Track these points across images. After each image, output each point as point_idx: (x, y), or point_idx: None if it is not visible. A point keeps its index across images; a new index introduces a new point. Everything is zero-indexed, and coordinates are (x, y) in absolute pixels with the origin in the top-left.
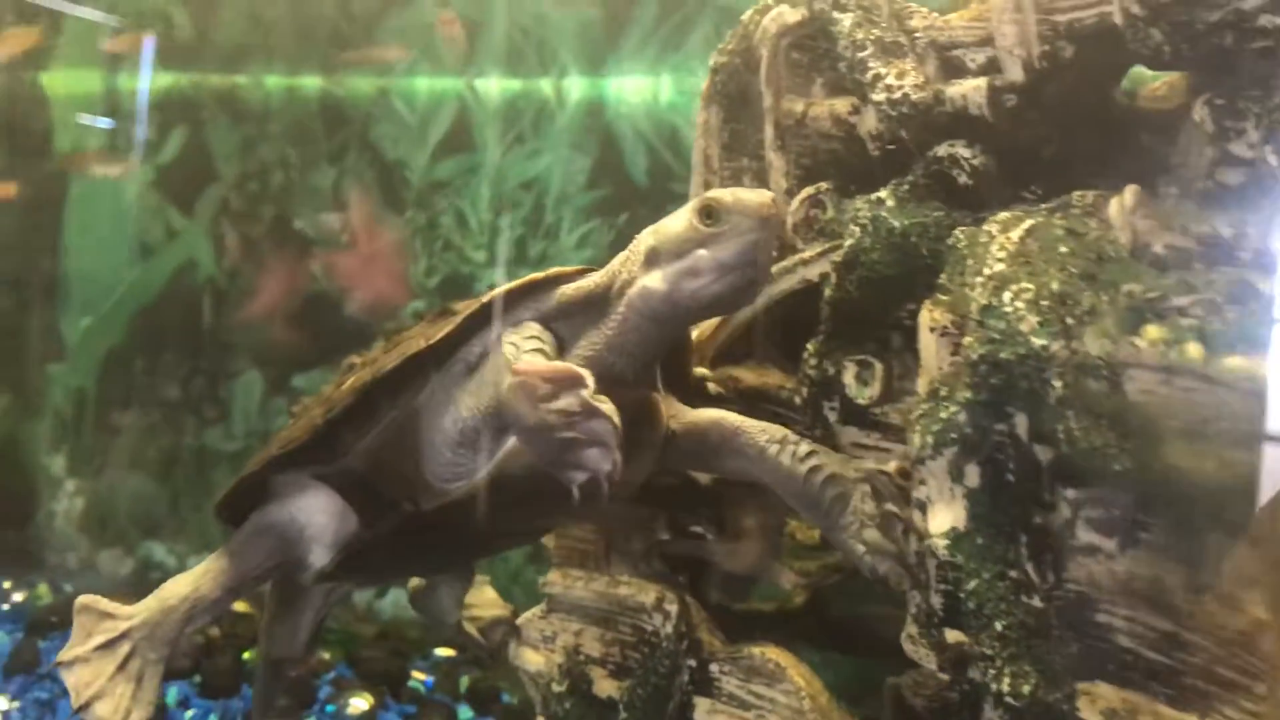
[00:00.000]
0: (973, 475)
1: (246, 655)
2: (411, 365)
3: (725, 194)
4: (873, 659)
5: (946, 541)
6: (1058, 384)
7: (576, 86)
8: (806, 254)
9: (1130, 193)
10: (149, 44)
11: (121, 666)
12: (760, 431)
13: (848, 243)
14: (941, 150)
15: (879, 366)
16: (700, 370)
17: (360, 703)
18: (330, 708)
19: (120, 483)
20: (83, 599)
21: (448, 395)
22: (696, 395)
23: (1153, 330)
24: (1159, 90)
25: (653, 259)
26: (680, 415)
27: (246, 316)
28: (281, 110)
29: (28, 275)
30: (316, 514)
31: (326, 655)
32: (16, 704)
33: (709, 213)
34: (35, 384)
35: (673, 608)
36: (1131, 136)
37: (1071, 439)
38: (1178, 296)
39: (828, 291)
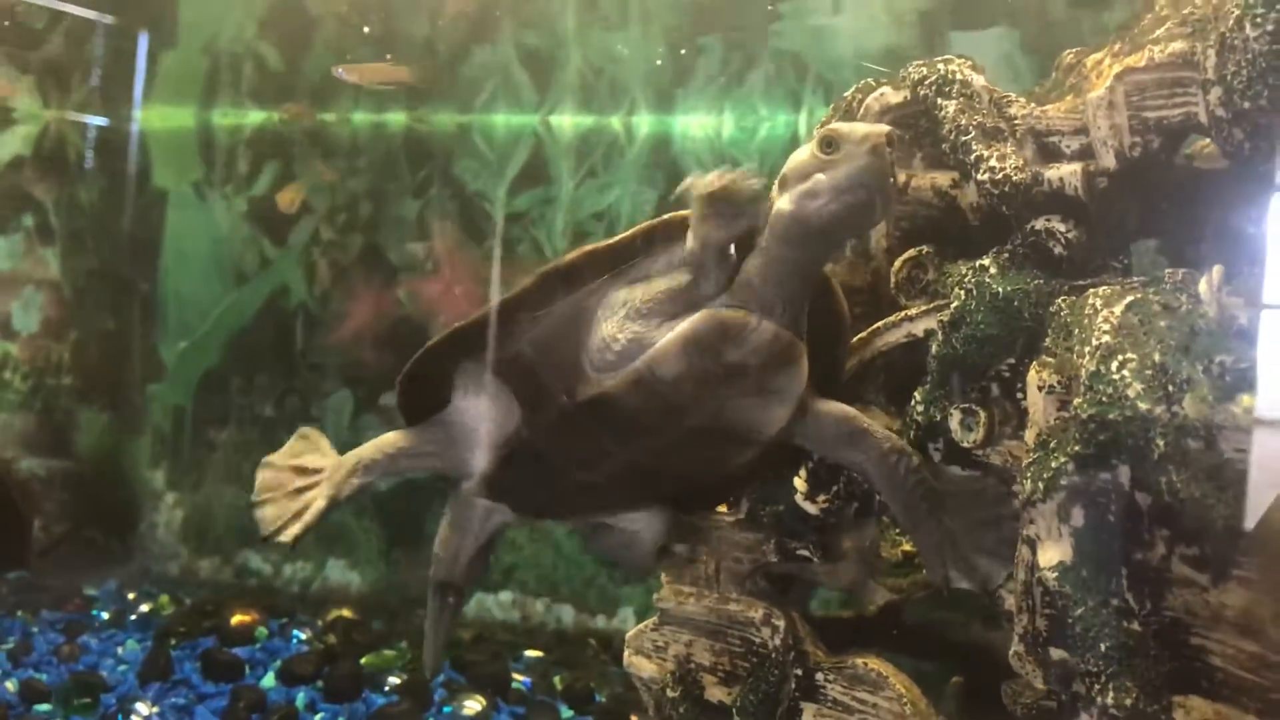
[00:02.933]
0: (1078, 517)
1: (364, 661)
2: (588, 261)
3: (843, 125)
4: (940, 661)
5: (1055, 574)
6: (1160, 443)
7: (645, 123)
8: (912, 311)
9: (1216, 271)
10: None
11: (299, 492)
12: (885, 438)
13: (953, 304)
14: (1039, 224)
15: (983, 414)
16: None
17: (474, 704)
18: (447, 709)
19: (218, 495)
20: (307, 430)
21: (619, 295)
22: None
23: (1247, 399)
24: (1209, 149)
25: (783, 185)
26: (816, 401)
27: (337, 339)
28: (369, 146)
29: (128, 300)
30: (484, 422)
31: None
32: (156, 709)
33: (828, 142)
34: (136, 403)
35: (780, 623)
36: (1199, 203)
37: (1173, 490)
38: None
39: (934, 347)
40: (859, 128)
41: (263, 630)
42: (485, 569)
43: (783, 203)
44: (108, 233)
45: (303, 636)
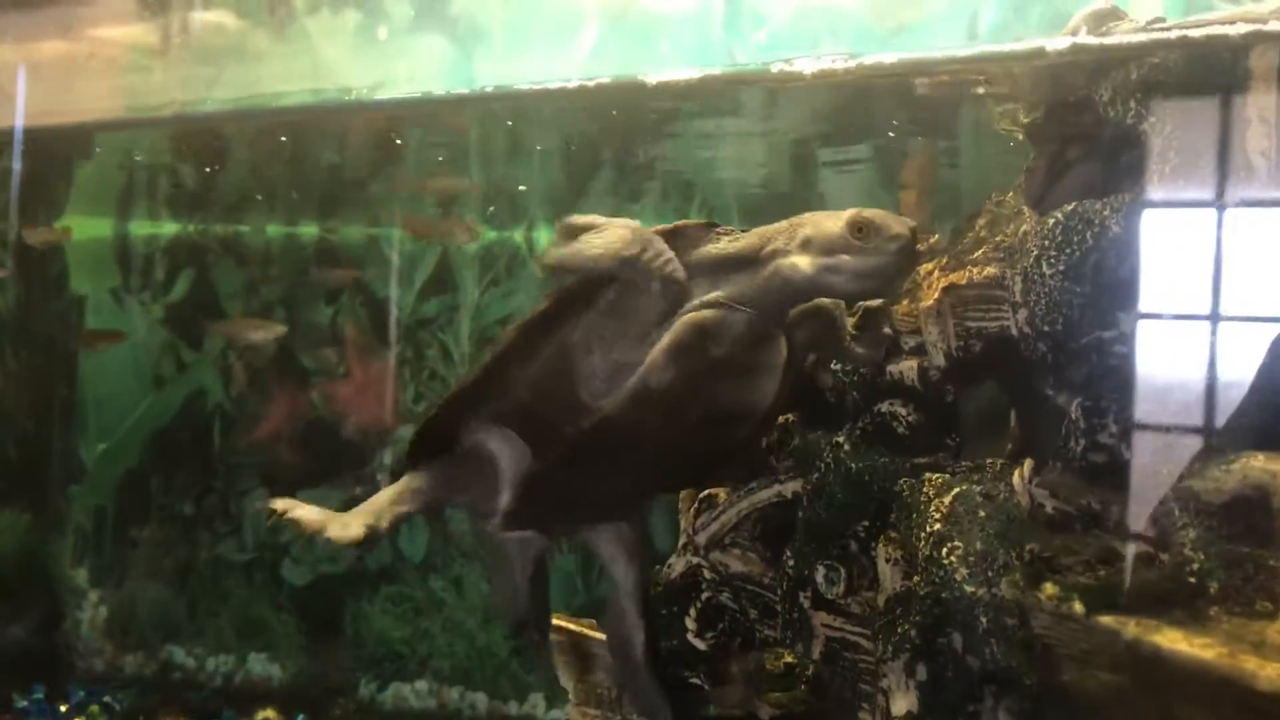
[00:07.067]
0: (922, 673)
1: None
2: (564, 302)
3: (877, 215)
4: None
5: None
6: (983, 619)
7: (544, 236)
8: (782, 476)
9: (1028, 465)
10: None
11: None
12: None
13: (814, 475)
14: (884, 407)
15: (843, 570)
16: (696, 560)
17: None
18: None
19: (141, 592)
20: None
21: (600, 325)
22: None
23: (1049, 587)
24: None
25: (806, 245)
26: None
27: (253, 440)
28: (281, 255)
29: (47, 404)
30: (498, 462)
31: None
32: None
33: (860, 228)
34: (57, 503)
35: None
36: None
37: (995, 658)
38: (1065, 557)
39: (800, 511)
40: (892, 223)
41: None
42: (547, 596)
43: (802, 261)
44: (26, 337)
45: None
